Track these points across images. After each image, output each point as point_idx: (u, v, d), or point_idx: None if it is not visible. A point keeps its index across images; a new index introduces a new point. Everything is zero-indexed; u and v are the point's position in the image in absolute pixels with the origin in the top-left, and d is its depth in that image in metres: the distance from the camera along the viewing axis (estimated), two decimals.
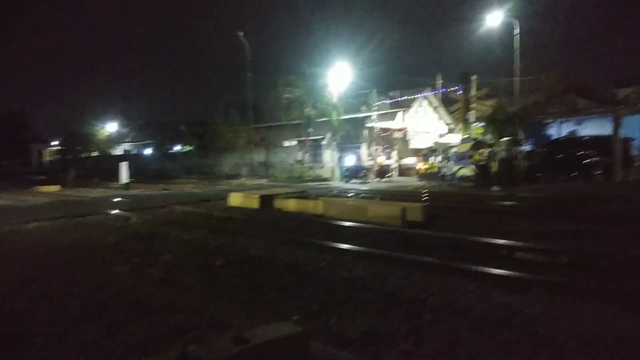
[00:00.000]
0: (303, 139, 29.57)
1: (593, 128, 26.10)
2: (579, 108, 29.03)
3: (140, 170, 35.35)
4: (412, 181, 24.20)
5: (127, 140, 59.18)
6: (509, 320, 3.84)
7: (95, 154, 58.17)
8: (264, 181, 27.20)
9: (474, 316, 3.93)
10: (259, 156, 34.22)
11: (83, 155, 58.47)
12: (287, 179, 26.43)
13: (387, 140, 29.32)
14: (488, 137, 23.65)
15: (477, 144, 21.56)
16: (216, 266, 5.79)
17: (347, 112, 28.99)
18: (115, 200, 15.17)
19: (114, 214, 11.08)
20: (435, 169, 23.66)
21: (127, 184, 20.30)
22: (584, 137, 23.70)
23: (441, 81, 33.67)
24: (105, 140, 58.57)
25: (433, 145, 27.83)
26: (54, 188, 21.30)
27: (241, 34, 32.62)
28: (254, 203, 12.16)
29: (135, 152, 56.70)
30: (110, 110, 61.34)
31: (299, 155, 30.16)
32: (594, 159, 19.63)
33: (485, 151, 20.67)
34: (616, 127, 19.58)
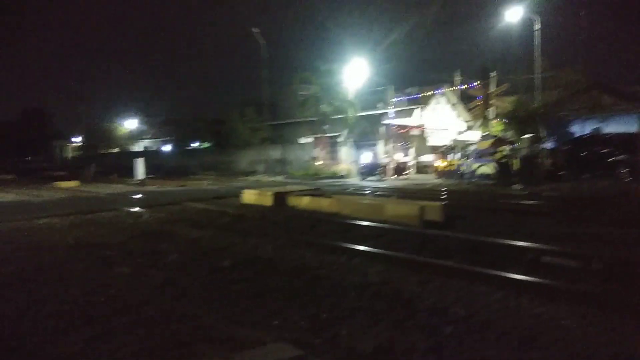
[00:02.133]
0: (319, 136, 29.22)
1: (618, 125, 25.08)
2: (604, 105, 28.01)
3: (160, 166, 35.48)
4: (430, 179, 23.64)
5: (147, 136, 59.72)
6: (540, 335, 3.44)
7: (115, 150, 58.89)
8: (280, 178, 26.97)
9: (500, 330, 3.54)
10: (275, 153, 34.00)
11: (103, 151, 59.26)
12: (302, 176, 26.13)
13: (404, 137, 28.78)
14: (509, 134, 22.93)
15: (498, 141, 20.91)
16: (222, 268, 5.50)
17: (363, 109, 28.55)
18: (130, 196, 15.07)
19: (126, 211, 10.92)
20: (454, 167, 23.05)
21: (142, 180, 20.25)
22: (608, 134, 22.79)
23: (460, 77, 32.88)
24: (125, 137, 59.31)
25: (451, 142, 27.19)
26: (73, 184, 21.42)
27: (257, 30, 32.40)
28: (267, 200, 11.89)
29: (155, 148, 57.10)
30: (131, 108, 61.98)
31: (315, 152, 29.83)
32: (619, 157, 18.82)
33: (507, 148, 20.01)
34: None
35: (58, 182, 21.88)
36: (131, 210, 11.03)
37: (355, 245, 6.47)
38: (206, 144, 48.09)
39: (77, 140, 67.13)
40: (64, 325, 3.61)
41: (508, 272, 4.90)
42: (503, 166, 19.34)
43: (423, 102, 31.15)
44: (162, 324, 3.60)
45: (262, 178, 27.36)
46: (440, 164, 24.92)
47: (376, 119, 28.49)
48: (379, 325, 3.69)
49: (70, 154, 68.18)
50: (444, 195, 13.16)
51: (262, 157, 33.98)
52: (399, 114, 28.56)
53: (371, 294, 4.50)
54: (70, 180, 22.75)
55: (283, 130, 36.00)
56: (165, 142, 56.10)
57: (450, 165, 23.68)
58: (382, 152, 27.43)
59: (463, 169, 21.91)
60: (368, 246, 6.44)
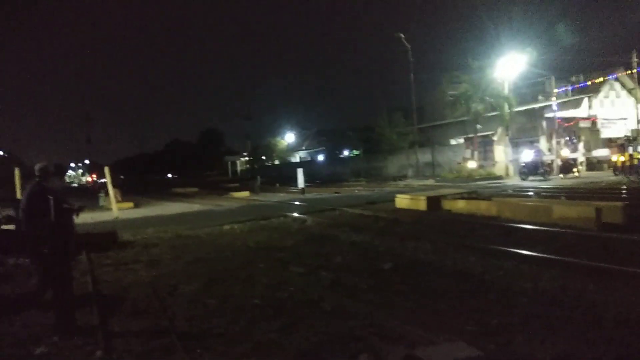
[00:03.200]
0: (471, 136, 27.92)
1: None
2: None
3: (314, 175, 37.83)
4: (605, 176, 20.81)
5: (302, 148, 64.05)
6: None
7: (276, 162, 64.46)
8: (430, 181, 26.49)
9: None
10: (424, 156, 33.50)
11: (267, 163, 65.34)
12: (454, 179, 25.25)
13: (571, 131, 25.88)
14: None
15: None
16: (384, 270, 5.75)
17: (520, 103, 26.47)
18: (293, 203, 16.42)
19: (292, 217, 11.96)
20: (636, 162, 19.87)
21: (302, 188, 21.84)
22: None
23: (637, 59, 28.26)
24: (284, 150, 64.59)
25: (631, 133, 23.50)
26: (244, 194, 24.12)
27: (402, 35, 32.43)
28: (420, 205, 11.87)
29: (309, 158, 60.96)
30: (288, 123, 67.17)
31: (467, 153, 28.53)
32: None
33: None
34: None
35: (232, 193, 24.88)
36: (296, 216, 12.05)
37: (522, 250, 6.14)
38: (356, 152, 49.67)
39: (245, 154, 75.07)
40: (258, 315, 4.23)
41: None
42: None
43: (592, 90, 27.62)
44: (338, 319, 3.97)
45: (412, 182, 27.17)
46: (618, 158, 21.73)
47: (536, 113, 26.20)
48: (556, 334, 3.50)
49: (239, 167, 76.41)
50: (624, 194, 11.52)
51: (411, 161, 33.74)
52: (563, 105, 25.82)
53: (545, 301, 4.26)
54: (242, 191, 25.67)
55: (432, 133, 35.30)
56: (318, 152, 59.46)
57: (632, 159, 20.48)
58: (545, 149, 25.05)
59: None
60: (537, 251, 6.06)
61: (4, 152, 47.57)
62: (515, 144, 26.48)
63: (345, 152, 53.47)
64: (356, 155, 48.84)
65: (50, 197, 6.21)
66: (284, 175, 42.29)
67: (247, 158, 72.54)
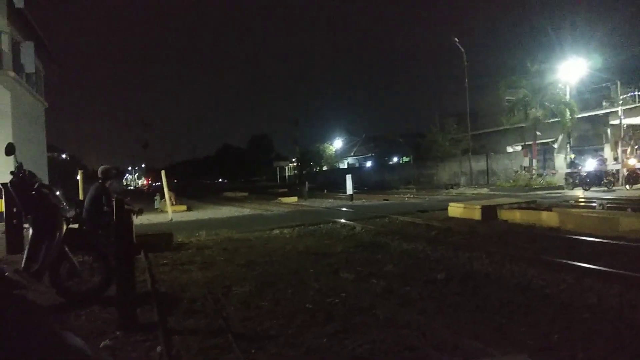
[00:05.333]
0: (529, 143, 26.83)
1: None
2: None
3: (362, 181, 37.72)
4: None
5: (350, 154, 64.08)
6: None
7: (324, 168, 64.80)
8: (484, 190, 25.67)
9: None
10: (478, 164, 32.55)
11: (315, 169, 65.82)
12: (510, 188, 24.33)
13: (638, 139, 24.27)
14: None
15: None
16: (437, 280, 5.61)
17: (582, 109, 25.18)
18: (342, 210, 16.41)
19: (341, 223, 11.96)
20: None
21: (351, 195, 21.80)
22: None
23: None
24: (332, 156, 64.85)
25: None
26: (293, 199, 24.41)
27: (456, 39, 31.81)
28: (475, 214, 11.52)
29: (357, 165, 60.84)
30: (336, 129, 67.51)
31: (525, 161, 27.43)
32: None
33: None
34: None
35: (281, 198, 25.25)
36: (345, 222, 12.03)
37: (586, 264, 5.81)
38: (406, 159, 49.03)
39: (293, 160, 76.05)
40: (309, 320, 4.24)
41: None
42: None
43: None
44: (391, 328, 3.90)
45: (465, 191, 26.44)
46: None
47: (600, 120, 24.87)
48: (622, 352, 3.29)
49: (287, 173, 77.47)
50: None
51: (464, 168, 32.88)
52: (630, 112, 24.29)
53: (610, 318, 4.00)
54: (290, 196, 25.99)
55: (486, 140, 34.30)
56: (366, 159, 59.23)
57: None
58: (610, 158, 23.65)
59: None
60: (601, 265, 5.71)
61: (67, 156, 50.88)
62: (578, 152, 25.18)
63: (395, 159, 52.92)
64: (406, 162, 48.22)
65: (111, 198, 6.57)
66: (331, 181, 42.46)
67: (295, 164, 73.46)
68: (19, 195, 4.72)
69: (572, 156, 23.10)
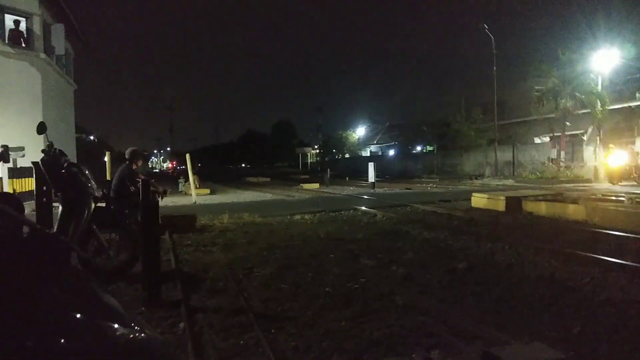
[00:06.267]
0: (557, 134, 26.15)
1: None
2: None
3: (385, 170, 37.46)
4: None
5: (373, 142, 63.61)
6: None
7: (347, 155, 64.58)
8: (509, 181, 25.23)
9: None
10: (504, 155, 31.91)
11: (337, 156, 65.69)
12: (537, 180, 23.83)
13: None
14: None
15: None
16: (458, 269, 5.58)
17: (615, 100, 24.34)
18: (363, 197, 16.39)
19: (362, 211, 11.95)
20: None
21: (373, 183, 21.72)
22: None
23: None
24: (354, 143, 64.53)
25: None
26: (314, 186, 24.50)
27: (485, 26, 31.05)
28: (499, 205, 11.35)
29: (380, 153, 60.41)
30: (359, 116, 67.07)
31: (553, 153, 26.75)
32: None
33: None
34: None
35: (303, 184, 25.35)
36: (366, 209, 12.02)
37: (612, 258, 5.69)
38: (429, 148, 48.43)
39: (315, 147, 76.00)
40: (329, 303, 4.29)
41: None
42: None
43: None
44: (410, 314, 3.92)
45: (490, 182, 26.03)
46: None
47: (634, 112, 23.97)
48: None
49: (310, 159, 77.53)
50: None
51: (489, 159, 32.31)
52: None
53: (636, 314, 3.93)
54: (312, 182, 26.07)
55: (513, 130, 33.58)
56: (389, 147, 58.71)
57: None
58: None
59: None
60: (629, 260, 5.58)
61: (94, 137, 52.07)
62: (608, 144, 24.45)
63: (418, 148, 52.31)
64: (429, 151, 47.65)
65: (138, 179, 6.72)
66: (353, 169, 42.28)
67: (317, 150, 73.38)
68: (50, 173, 4.86)
69: (612, 146, 22.28)
